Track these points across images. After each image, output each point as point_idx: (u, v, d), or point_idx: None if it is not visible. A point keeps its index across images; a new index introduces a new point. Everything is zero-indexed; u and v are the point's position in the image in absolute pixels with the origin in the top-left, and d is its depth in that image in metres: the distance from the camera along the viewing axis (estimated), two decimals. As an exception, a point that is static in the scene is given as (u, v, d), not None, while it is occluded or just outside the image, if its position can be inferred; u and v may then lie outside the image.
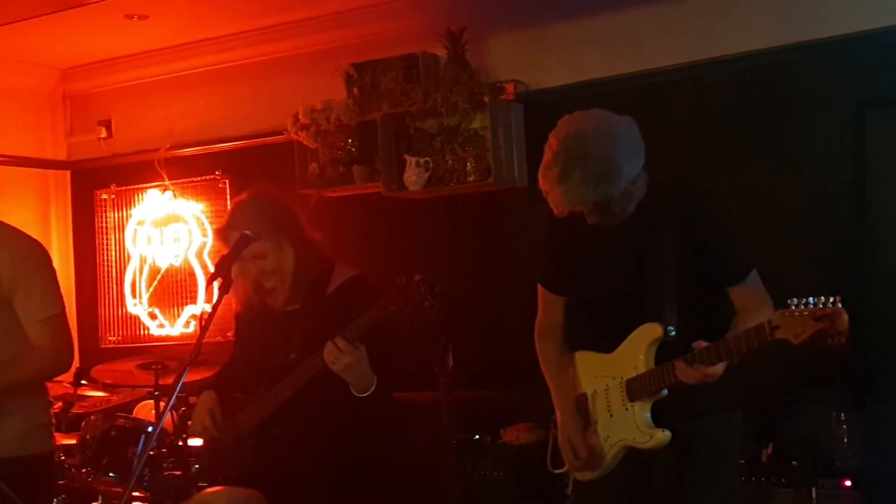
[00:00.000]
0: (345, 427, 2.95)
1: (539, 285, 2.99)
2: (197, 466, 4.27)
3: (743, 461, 3.71)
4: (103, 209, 5.84)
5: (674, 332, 2.63)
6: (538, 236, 3.00)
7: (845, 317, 2.30)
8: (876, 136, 3.91)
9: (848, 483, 3.56)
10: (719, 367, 2.52)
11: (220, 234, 3.03)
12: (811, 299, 2.34)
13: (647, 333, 2.68)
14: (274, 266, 2.99)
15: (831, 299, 2.33)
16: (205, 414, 3.08)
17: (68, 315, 5.95)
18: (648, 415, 2.68)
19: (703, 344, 2.53)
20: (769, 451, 3.76)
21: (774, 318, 2.39)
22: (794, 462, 3.68)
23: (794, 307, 2.36)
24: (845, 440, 3.71)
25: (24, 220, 4.57)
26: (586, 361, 2.86)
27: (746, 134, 4.14)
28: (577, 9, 4.46)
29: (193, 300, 5.53)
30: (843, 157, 3.97)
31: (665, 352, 2.64)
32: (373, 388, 2.89)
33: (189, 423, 4.35)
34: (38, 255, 3.07)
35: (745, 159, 4.12)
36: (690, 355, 2.54)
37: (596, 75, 4.39)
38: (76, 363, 5.58)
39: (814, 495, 3.55)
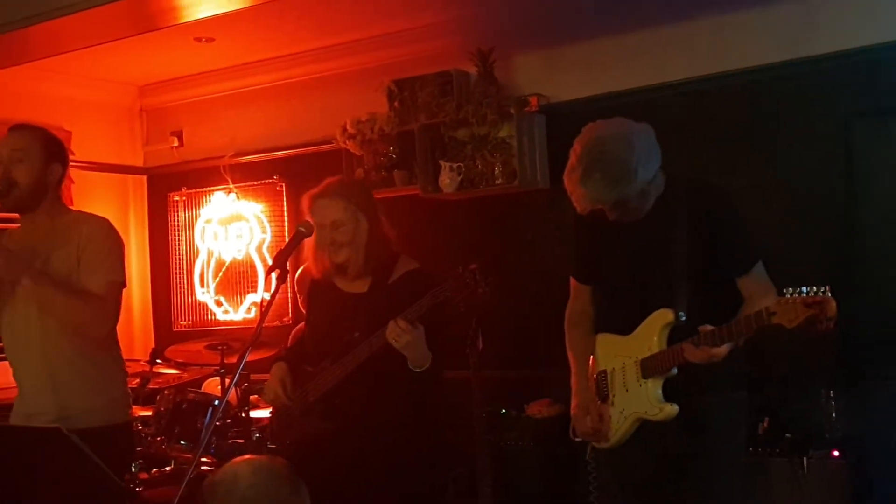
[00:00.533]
0: (400, 398, 2.94)
1: (571, 277, 3.01)
2: (258, 435, 4.29)
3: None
4: (175, 209, 5.87)
5: (684, 318, 2.64)
6: (568, 233, 3.01)
7: (833, 304, 2.32)
8: (862, 142, 3.89)
9: (836, 453, 3.54)
10: (723, 349, 2.54)
11: (310, 199, 3.03)
12: (804, 289, 2.35)
13: (661, 318, 2.69)
14: (348, 237, 2.97)
15: (822, 289, 2.34)
16: (276, 383, 3.07)
17: (145, 302, 6.11)
18: (660, 391, 2.70)
19: (709, 328, 2.54)
20: (765, 424, 3.75)
21: (771, 306, 2.40)
22: (787, 435, 3.66)
23: (788, 295, 2.37)
24: (833, 415, 3.70)
25: (106, 219, 4.64)
26: (606, 342, 2.87)
27: (747, 140, 4.12)
28: (593, 30, 4.46)
29: (254, 289, 5.55)
30: (833, 161, 3.94)
31: (677, 335, 2.65)
32: (427, 365, 2.89)
33: (252, 395, 4.41)
34: (112, 233, 3.05)
35: (745, 163, 4.10)
36: (697, 337, 2.56)
37: (610, 89, 4.38)
38: (152, 343, 5.74)
39: (805, 464, 3.54)
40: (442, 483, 4.10)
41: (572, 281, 3.01)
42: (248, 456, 1.82)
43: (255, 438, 4.31)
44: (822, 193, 3.97)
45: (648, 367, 2.71)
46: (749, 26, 4.10)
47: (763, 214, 3.97)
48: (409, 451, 2.96)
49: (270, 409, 3.63)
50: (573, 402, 2.92)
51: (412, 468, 2.97)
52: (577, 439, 2.98)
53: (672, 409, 2.67)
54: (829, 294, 2.33)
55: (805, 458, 3.56)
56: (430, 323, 2.86)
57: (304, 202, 3.04)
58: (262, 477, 1.72)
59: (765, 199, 4.03)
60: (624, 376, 2.79)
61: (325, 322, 3.11)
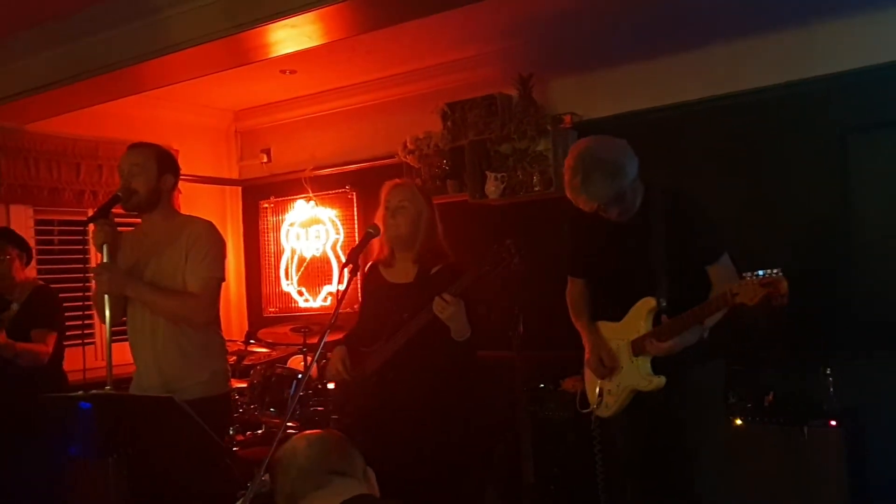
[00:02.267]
0: (445, 366, 2.92)
1: (567, 274, 3.04)
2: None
3: (748, 405, 3.65)
4: (265, 215, 5.92)
5: (664, 304, 2.67)
6: (564, 238, 3.03)
7: (785, 283, 2.31)
8: (856, 154, 3.81)
9: (833, 423, 3.48)
10: (667, 344, 2.60)
11: (388, 185, 3.05)
12: (760, 272, 2.34)
13: (645, 305, 2.73)
14: (407, 219, 2.98)
15: (775, 270, 2.32)
16: (338, 362, 3.09)
17: (240, 292, 6.20)
18: (649, 365, 2.73)
19: (665, 320, 2.60)
20: (770, 398, 3.68)
21: (734, 287, 2.41)
22: (789, 406, 3.60)
23: (748, 278, 2.35)
24: (831, 389, 3.63)
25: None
26: (602, 328, 2.90)
27: (753, 152, 4.04)
28: (619, 56, 4.43)
29: (329, 281, 5.59)
30: (830, 171, 3.86)
31: (660, 318, 2.68)
32: (468, 335, 2.88)
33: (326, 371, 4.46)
34: (215, 234, 3.04)
35: (752, 172, 4.03)
36: (657, 329, 2.62)
37: (635, 107, 4.35)
38: (246, 327, 5.81)
39: (805, 432, 3.49)
40: (489, 444, 4.10)
41: (569, 278, 3.03)
42: (305, 432, 1.84)
43: (332, 406, 4.28)
44: (821, 198, 3.88)
45: (638, 347, 2.74)
46: (755, 51, 4.03)
47: (766, 218, 3.93)
48: (455, 411, 2.95)
49: (332, 385, 3.62)
50: (586, 350, 2.92)
51: (459, 425, 2.96)
52: (584, 410, 2.98)
53: (660, 380, 2.71)
54: (781, 275, 2.31)
55: (805, 427, 3.51)
56: (470, 301, 2.85)
57: (384, 189, 3.07)
58: (315, 449, 1.73)
59: (768, 205, 3.97)
60: (619, 356, 2.81)
61: (377, 309, 3.11)
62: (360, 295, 2.82)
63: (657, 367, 2.72)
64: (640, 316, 2.73)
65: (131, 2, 3.82)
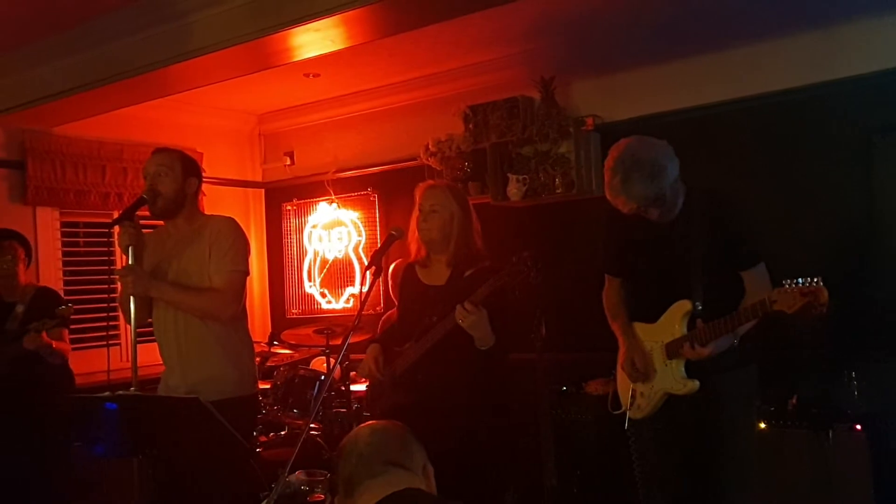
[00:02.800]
0: (469, 373, 2.89)
1: (604, 272, 3.01)
2: (357, 406, 4.31)
3: (772, 409, 3.60)
4: (288, 217, 5.94)
5: (700, 307, 2.64)
6: (601, 237, 3.01)
7: (825, 293, 2.29)
8: (881, 156, 3.75)
9: (858, 427, 3.42)
10: (707, 349, 2.58)
11: (422, 187, 3.02)
12: (800, 280, 2.31)
13: (681, 308, 2.69)
14: (438, 223, 2.95)
15: (815, 279, 2.29)
16: (371, 360, 3.07)
17: (263, 294, 6.25)
18: (683, 369, 2.69)
19: (700, 325, 2.57)
20: (794, 401, 3.63)
21: (773, 295, 2.39)
22: (814, 410, 3.54)
23: (787, 286, 2.33)
24: (855, 393, 3.57)
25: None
26: (637, 330, 2.86)
27: (777, 154, 4.00)
28: (641, 59, 4.40)
29: (352, 283, 5.60)
30: (854, 172, 3.80)
31: (695, 320, 2.65)
32: (492, 344, 2.85)
33: (353, 372, 4.42)
34: (236, 229, 3.06)
35: (776, 176, 3.98)
36: (693, 332, 2.58)
37: (656, 110, 4.31)
38: (269, 328, 5.84)
39: (830, 436, 3.44)
40: (510, 446, 4.09)
41: (606, 277, 3.01)
42: (371, 422, 1.87)
43: (354, 408, 4.33)
44: (845, 200, 3.83)
45: (672, 350, 2.71)
46: (777, 53, 3.99)
47: (790, 220, 3.89)
48: (478, 416, 2.92)
49: (367, 383, 3.65)
50: (620, 352, 2.89)
51: (481, 430, 2.93)
52: (616, 412, 2.95)
53: (694, 384, 2.68)
54: (822, 284, 2.29)
55: (830, 432, 3.45)
56: (493, 308, 2.81)
57: (417, 190, 3.04)
58: (376, 437, 1.76)
59: (793, 208, 3.92)
60: (652, 358, 2.78)
61: (410, 310, 3.11)
62: (394, 293, 2.77)
63: (690, 372, 2.69)
64: (676, 318, 2.70)
65: (156, 7, 3.85)
